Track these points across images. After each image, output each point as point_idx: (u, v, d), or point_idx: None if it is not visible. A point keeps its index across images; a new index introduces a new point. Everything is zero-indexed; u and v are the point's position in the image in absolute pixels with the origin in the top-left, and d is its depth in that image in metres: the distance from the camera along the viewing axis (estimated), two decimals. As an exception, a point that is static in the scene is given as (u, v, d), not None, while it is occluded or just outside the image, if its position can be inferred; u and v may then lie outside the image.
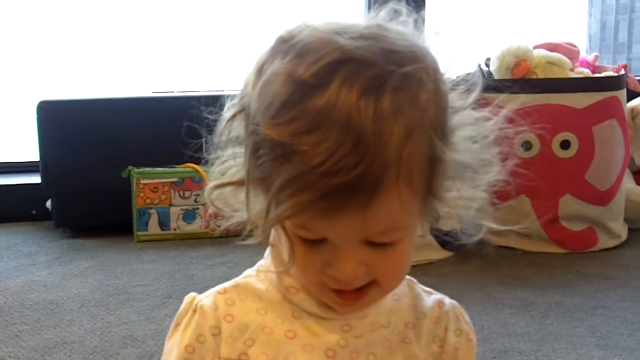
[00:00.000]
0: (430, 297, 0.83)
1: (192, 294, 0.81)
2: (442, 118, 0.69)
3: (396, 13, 0.71)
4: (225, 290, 0.79)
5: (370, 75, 0.63)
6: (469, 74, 0.75)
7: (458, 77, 0.73)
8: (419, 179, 0.66)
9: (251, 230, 0.75)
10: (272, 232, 0.77)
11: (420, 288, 0.84)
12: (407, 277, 0.82)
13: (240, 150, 0.74)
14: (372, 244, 0.68)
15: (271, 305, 0.77)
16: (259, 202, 0.71)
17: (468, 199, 0.73)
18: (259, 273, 0.80)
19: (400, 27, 0.70)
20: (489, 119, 0.74)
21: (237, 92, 0.74)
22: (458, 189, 0.72)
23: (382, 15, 0.71)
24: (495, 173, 0.74)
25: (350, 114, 0.62)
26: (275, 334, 0.76)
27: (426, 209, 0.71)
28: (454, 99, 0.73)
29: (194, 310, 0.78)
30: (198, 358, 0.77)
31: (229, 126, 0.75)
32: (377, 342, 0.78)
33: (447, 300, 0.84)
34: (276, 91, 0.65)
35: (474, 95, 0.73)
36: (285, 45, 0.68)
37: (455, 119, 0.72)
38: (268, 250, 0.80)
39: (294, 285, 0.76)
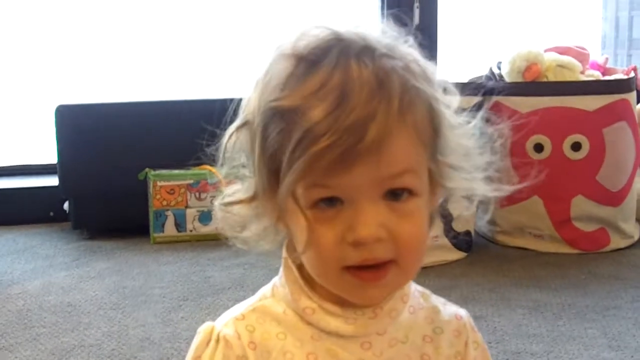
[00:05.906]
0: (446, 309, 0.85)
1: (209, 323, 0.80)
2: (429, 83, 0.74)
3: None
4: (243, 317, 0.79)
5: (362, 46, 0.71)
6: (480, 77, 0.80)
7: (469, 80, 0.78)
8: (422, 126, 0.72)
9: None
10: (283, 243, 0.80)
11: (435, 299, 0.85)
12: (421, 289, 0.84)
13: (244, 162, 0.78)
14: (390, 200, 0.71)
15: (290, 328, 0.78)
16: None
17: (471, 175, 0.77)
18: (275, 294, 0.81)
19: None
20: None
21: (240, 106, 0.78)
22: (461, 166, 0.77)
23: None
24: (493, 159, 0.78)
25: (351, 73, 0.69)
26: (296, 357, 0.77)
27: (435, 166, 0.75)
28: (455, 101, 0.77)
29: (217, 341, 0.77)
30: None
31: (231, 142, 0.78)
32: (397, 359, 0.79)
33: (462, 311, 0.86)
34: (280, 70, 0.72)
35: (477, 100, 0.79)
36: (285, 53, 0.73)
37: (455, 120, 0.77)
38: (282, 268, 0.81)
39: (309, 306, 0.77)
